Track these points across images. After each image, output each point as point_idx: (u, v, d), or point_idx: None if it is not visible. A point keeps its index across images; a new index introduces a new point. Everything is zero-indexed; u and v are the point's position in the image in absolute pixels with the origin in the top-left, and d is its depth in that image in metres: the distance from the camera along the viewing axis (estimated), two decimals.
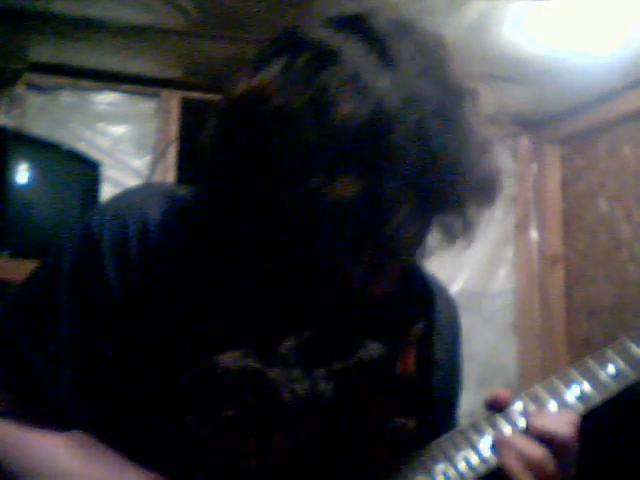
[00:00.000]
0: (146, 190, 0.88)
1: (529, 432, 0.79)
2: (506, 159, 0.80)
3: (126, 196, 0.86)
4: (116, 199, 0.85)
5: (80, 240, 0.80)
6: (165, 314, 0.78)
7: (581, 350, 2.80)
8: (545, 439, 0.78)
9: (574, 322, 2.87)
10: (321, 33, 0.72)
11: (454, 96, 0.70)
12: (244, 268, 0.81)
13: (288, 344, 0.81)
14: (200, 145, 0.74)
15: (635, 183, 2.60)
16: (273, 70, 0.69)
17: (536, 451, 0.77)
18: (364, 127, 0.65)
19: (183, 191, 0.87)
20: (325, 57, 0.69)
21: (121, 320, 0.78)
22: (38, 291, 0.81)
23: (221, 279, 0.80)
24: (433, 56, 0.72)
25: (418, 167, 0.66)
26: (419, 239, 0.71)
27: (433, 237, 0.75)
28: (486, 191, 0.72)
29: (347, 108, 0.65)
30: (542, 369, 2.94)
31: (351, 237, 0.67)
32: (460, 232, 0.74)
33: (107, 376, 0.79)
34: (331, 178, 0.65)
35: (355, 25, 0.72)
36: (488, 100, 0.75)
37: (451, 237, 0.74)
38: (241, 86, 0.71)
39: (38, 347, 0.78)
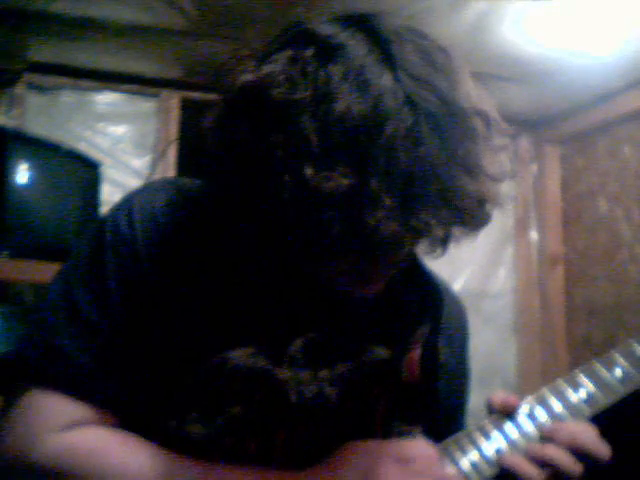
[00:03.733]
0: (165, 188, 0.86)
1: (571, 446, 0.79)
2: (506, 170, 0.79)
3: (148, 195, 0.84)
4: (138, 198, 0.84)
5: (113, 239, 0.80)
6: (177, 310, 0.79)
7: (581, 350, 2.80)
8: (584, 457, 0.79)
9: (574, 322, 2.87)
10: (327, 29, 0.72)
11: (453, 110, 0.69)
12: (253, 265, 0.81)
13: (297, 345, 0.81)
14: (202, 134, 0.75)
15: (635, 183, 2.60)
16: (277, 62, 0.70)
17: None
18: (360, 122, 0.66)
19: (195, 188, 0.87)
20: (329, 52, 0.69)
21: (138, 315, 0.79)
22: (64, 287, 0.81)
23: (233, 277, 0.81)
24: (436, 66, 0.71)
25: (404, 169, 0.66)
26: (400, 239, 0.69)
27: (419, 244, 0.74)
28: (466, 215, 0.70)
29: (346, 102, 0.66)
30: (542, 369, 2.94)
31: (336, 231, 0.67)
32: (439, 243, 0.73)
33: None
34: (323, 170, 0.65)
35: (361, 24, 0.73)
36: (494, 125, 0.74)
37: (431, 246, 0.74)
38: (245, 77, 0.71)
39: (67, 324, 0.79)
